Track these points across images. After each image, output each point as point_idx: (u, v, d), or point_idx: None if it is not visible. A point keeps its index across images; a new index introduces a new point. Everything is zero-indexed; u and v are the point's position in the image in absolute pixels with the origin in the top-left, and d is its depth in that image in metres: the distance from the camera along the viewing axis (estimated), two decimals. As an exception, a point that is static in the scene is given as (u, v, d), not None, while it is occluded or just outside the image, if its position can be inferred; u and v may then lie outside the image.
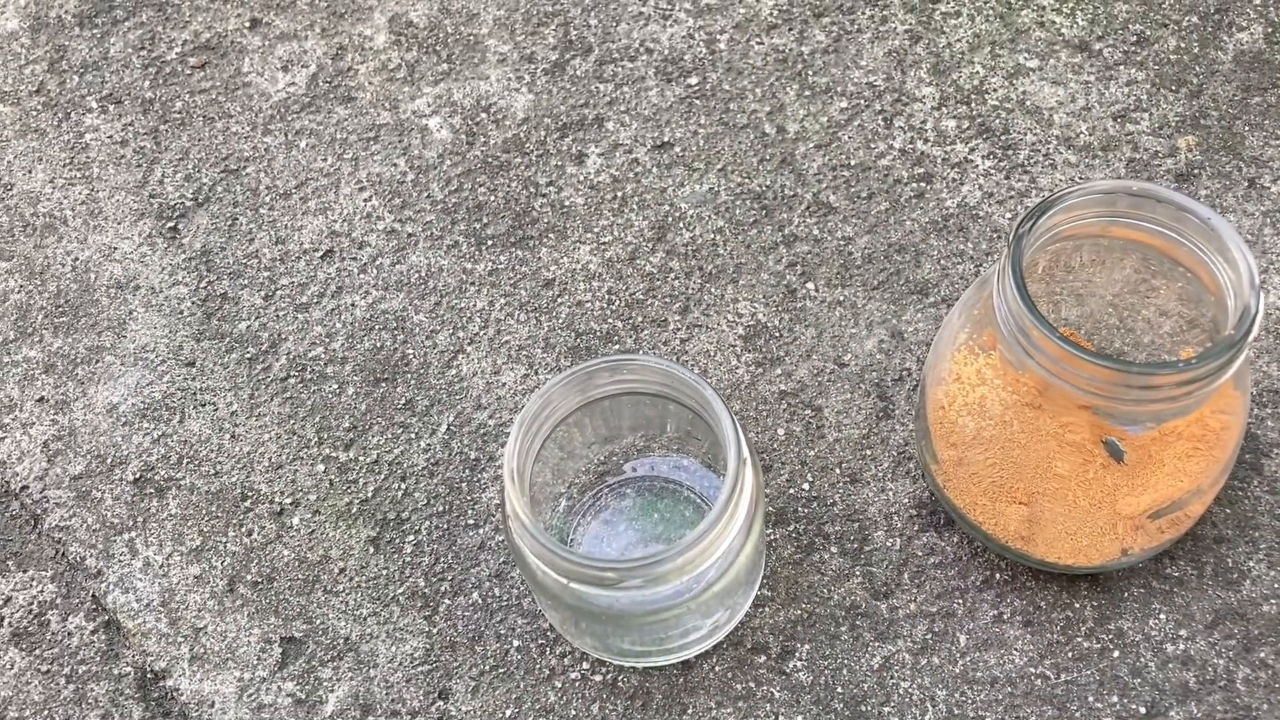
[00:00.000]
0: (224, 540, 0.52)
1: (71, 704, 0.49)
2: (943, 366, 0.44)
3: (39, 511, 0.53)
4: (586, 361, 0.43)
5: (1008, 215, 0.56)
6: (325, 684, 0.48)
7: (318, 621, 0.50)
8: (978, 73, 0.61)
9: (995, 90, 0.60)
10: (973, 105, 0.60)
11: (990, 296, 0.42)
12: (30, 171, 0.63)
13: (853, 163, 0.59)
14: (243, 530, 0.52)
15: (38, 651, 0.50)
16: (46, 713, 0.49)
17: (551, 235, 0.58)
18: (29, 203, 0.62)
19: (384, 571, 0.50)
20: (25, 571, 0.52)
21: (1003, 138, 0.59)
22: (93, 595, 0.51)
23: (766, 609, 0.48)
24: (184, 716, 0.48)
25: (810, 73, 0.62)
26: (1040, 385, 0.42)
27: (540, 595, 0.44)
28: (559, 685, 0.47)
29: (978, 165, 0.58)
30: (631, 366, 0.44)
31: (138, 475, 0.54)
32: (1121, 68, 0.60)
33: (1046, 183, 0.57)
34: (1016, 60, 0.61)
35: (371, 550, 0.51)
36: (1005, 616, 0.47)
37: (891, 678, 0.46)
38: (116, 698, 0.49)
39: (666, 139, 0.60)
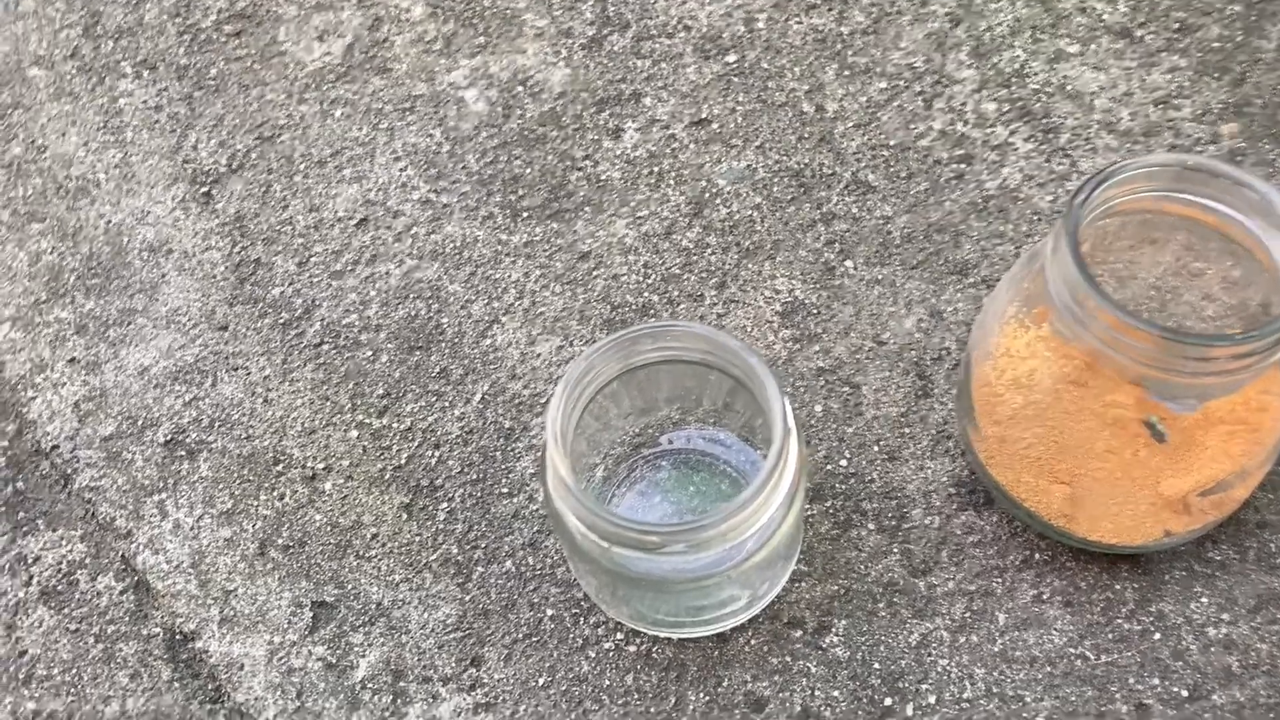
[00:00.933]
0: (255, 504, 0.51)
1: (100, 663, 0.49)
2: (990, 341, 0.44)
3: (69, 471, 0.53)
4: (629, 328, 0.43)
5: (1049, 198, 0.56)
6: (356, 649, 0.48)
7: (349, 586, 0.49)
8: (1019, 56, 0.60)
9: (1036, 74, 0.60)
10: (1013, 89, 0.59)
11: (1040, 270, 0.42)
12: (64, 135, 0.63)
13: (892, 143, 0.58)
14: (274, 494, 0.52)
15: (66, 610, 0.50)
16: (75, 671, 0.49)
17: (588, 208, 0.58)
18: (62, 165, 0.62)
19: (417, 538, 0.50)
20: (55, 531, 0.52)
21: (1043, 121, 0.58)
22: (122, 556, 0.51)
23: (803, 584, 0.48)
24: (213, 678, 0.48)
25: (850, 53, 0.61)
26: (1089, 359, 0.42)
27: (578, 561, 0.44)
28: (592, 655, 0.47)
29: (1018, 148, 0.58)
30: (675, 332, 0.43)
31: (169, 437, 0.53)
32: (1163, 54, 0.60)
33: (1088, 166, 0.57)
34: (1058, 45, 0.61)
35: (404, 516, 0.51)
36: (1045, 596, 0.47)
37: (929, 655, 0.46)
38: (145, 658, 0.49)
39: (704, 115, 0.60)
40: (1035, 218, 0.56)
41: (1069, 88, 0.59)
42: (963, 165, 0.57)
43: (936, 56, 0.61)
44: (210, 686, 0.48)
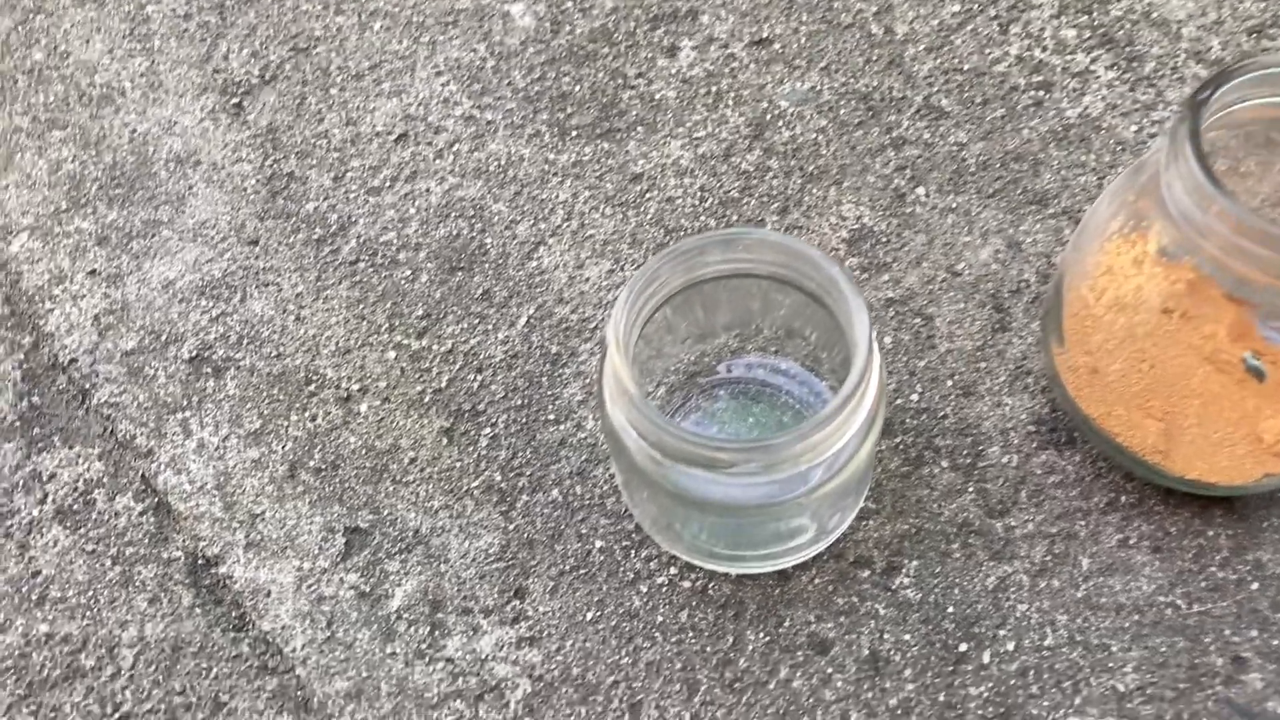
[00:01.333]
0: (285, 424, 0.48)
1: (117, 586, 0.46)
2: (1089, 261, 0.41)
3: (87, 386, 0.50)
4: (695, 236, 0.40)
5: (1133, 128, 0.53)
6: (392, 577, 0.45)
7: (385, 512, 0.46)
8: (1100, -18, 0.57)
9: (1119, 0, 0.56)
10: (1094, 15, 0.56)
11: (1148, 181, 0.38)
12: (88, 41, 0.59)
13: (966, 67, 0.55)
14: (306, 415, 0.48)
15: (83, 531, 0.47)
16: (91, 593, 0.46)
17: (640, 128, 0.55)
18: (85, 72, 0.58)
19: (457, 464, 0.47)
20: (71, 448, 0.49)
21: (1127, 49, 0.55)
22: (142, 475, 0.48)
23: (871, 522, 0.45)
24: (237, 605, 0.45)
25: (920, -25, 0.58)
26: (1193, 282, 0.39)
27: (635, 484, 0.41)
28: (644, 590, 0.44)
29: (1100, 76, 0.54)
30: (748, 242, 0.40)
31: (194, 354, 0.50)
32: (1255, -17, 0.56)
33: (1175, 97, 0.53)
34: (1142, -29, 0.57)
35: (444, 441, 0.47)
36: (1131, 541, 0.44)
37: (1008, 599, 0.43)
38: (165, 582, 0.46)
39: (765, 35, 0.57)
40: (1119, 148, 0.52)
41: (1154, 15, 0.56)
42: (1041, 92, 0.54)
43: (1013, -20, 0.57)
44: (234, 614, 0.45)
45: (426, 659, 0.43)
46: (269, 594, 0.45)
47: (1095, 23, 0.56)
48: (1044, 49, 0.55)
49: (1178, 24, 0.55)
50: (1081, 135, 0.53)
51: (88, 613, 0.45)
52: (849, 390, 0.36)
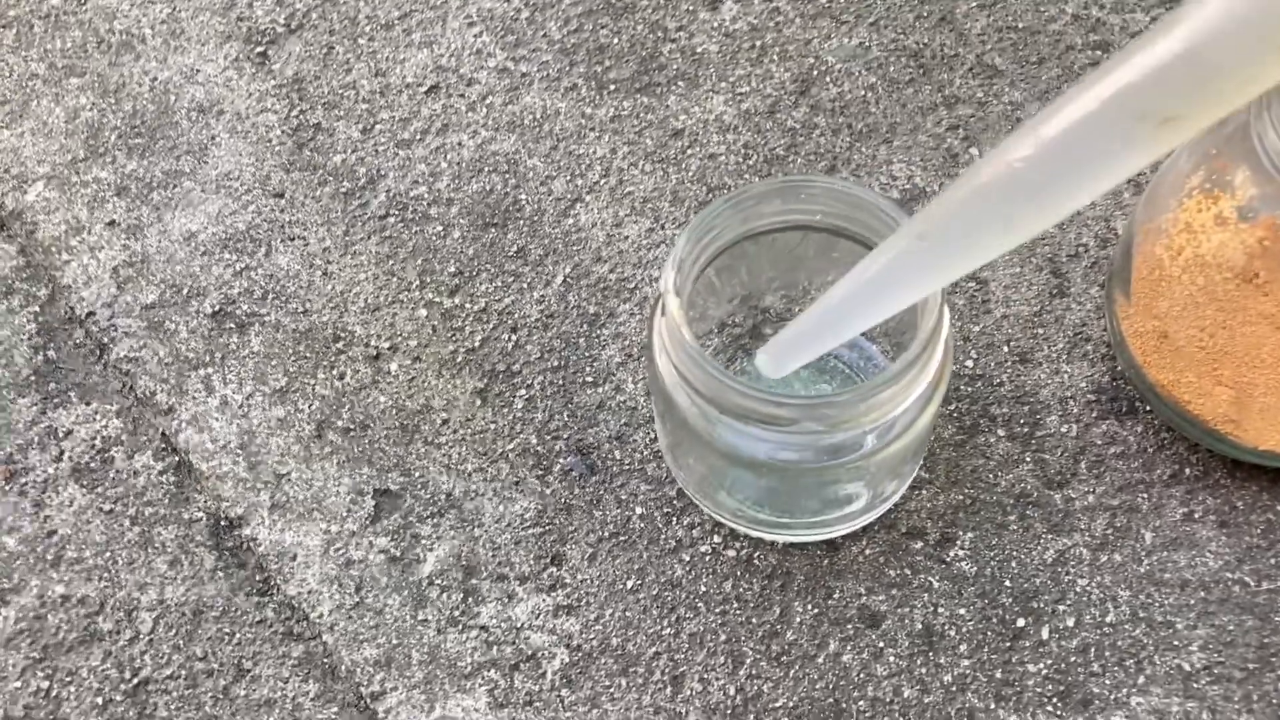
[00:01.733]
0: (312, 382, 0.46)
1: (136, 547, 0.44)
2: (1165, 218, 0.39)
3: (105, 341, 0.48)
4: (752, 185, 0.38)
5: (1195, 90, 0.51)
6: (424, 542, 0.43)
7: (416, 474, 0.44)
8: (1159, -60, 0.55)
9: (1179, -41, 0.54)
10: (1154, -27, 0.54)
11: (1234, 132, 0.36)
12: (106, -13, 0.57)
13: (1020, 25, 0.53)
14: (334, 373, 0.47)
15: (100, 489, 0.45)
16: (109, 554, 0.44)
17: (681, 83, 0.53)
18: (104, 18, 0.56)
19: (492, 426, 0.45)
20: (89, 404, 0.47)
21: (1188, 9, 0.53)
22: (162, 433, 0.46)
23: (924, 491, 0.43)
24: (261, 568, 0.43)
25: (972, -70, 0.56)
26: (1273, 239, 0.37)
27: (683, 443, 0.39)
28: (687, 558, 0.42)
29: (1160, 36, 0.52)
30: (811, 191, 0.38)
31: (217, 308, 0.48)
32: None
33: (1238, 58, 0.51)
34: (1203, -71, 0.55)
35: (478, 402, 0.46)
36: (1197, 515, 0.42)
37: (1067, 574, 0.41)
38: (186, 544, 0.44)
39: (811, -10, 0.55)
40: (1180, 110, 0.50)
41: (1216, -26, 0.54)
42: (1099, 53, 0.52)
43: (1068, -63, 0.55)
44: (258, 577, 0.43)
45: (460, 627, 0.42)
46: (295, 557, 0.43)
47: (1154, -19, 0.54)
48: (1101, 7, 0.53)
49: (1241, -17, 0.53)
50: (1141, 96, 0.51)
51: (105, 574, 0.44)
52: (917, 349, 0.34)
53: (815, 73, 0.52)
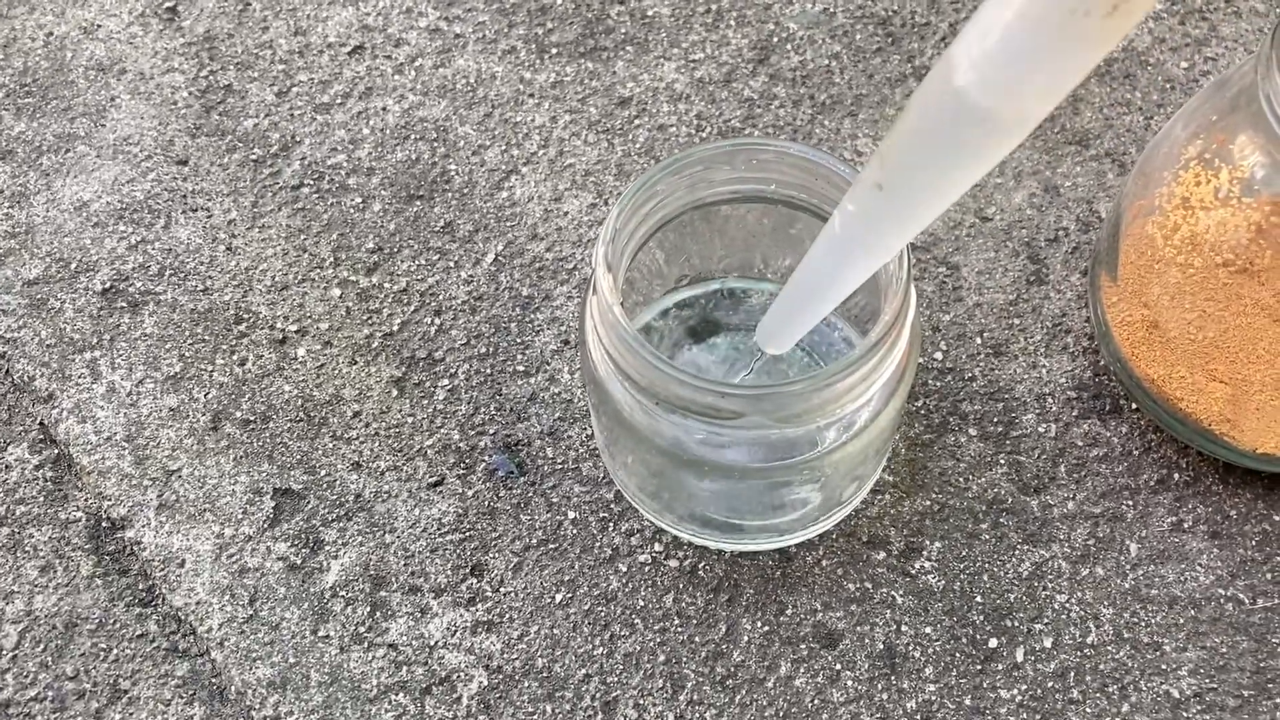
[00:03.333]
0: (210, 368, 0.42)
1: (3, 550, 0.39)
2: (1158, 192, 0.35)
3: (-19, 319, 0.43)
4: (701, 145, 0.33)
5: (1183, 64, 0.47)
6: (328, 548, 0.38)
7: (322, 473, 0.40)
8: (1145, -93, 0.51)
9: (1166, -73, 0.50)
10: (1139, -59, 0.50)
11: (1235, 97, 0.33)
12: (2, -66, 0.52)
13: (997, -7, 0.49)
14: (234, 358, 0.42)
15: (-35, 485, 0.40)
16: (-30, 558, 0.39)
17: (629, 47, 0.48)
18: (-3, -32, 0.51)
19: (409, 419, 0.40)
20: (-42, 389, 0.42)
21: (1176, -21, 0.49)
22: (40, 423, 0.41)
23: (887, 496, 0.39)
24: (145, 575, 0.38)
25: (945, -108, 0.52)
26: (1277, 211, 0.33)
27: (619, 438, 0.35)
28: (623, 569, 0.38)
29: (1146, 7, 0.48)
30: (764, 156, 0.33)
31: (108, 285, 0.43)
32: (1316, -87, 0.51)
33: (1229, 32, 0.48)
34: (1191, -104, 0.51)
35: (395, 393, 0.41)
36: (1186, 525, 0.38)
37: (1044, 589, 0.37)
38: (61, 547, 0.39)
39: (772, -48, 0.50)
40: (1168, 85, 0.46)
41: (1205, -57, 0.50)
42: (1080, 23, 0.48)
43: (1048, -99, 0.51)
44: (141, 586, 0.38)
45: (365, 644, 0.37)
46: (183, 564, 0.38)
47: (1140, -50, 0.50)
48: (1083, -24, 0.49)
49: (1232, -47, 0.50)
50: (1126, 71, 0.47)
51: (-33, 581, 0.39)
52: (880, 332, 0.30)
53: (775, 40, 0.48)
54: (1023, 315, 0.42)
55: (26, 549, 0.39)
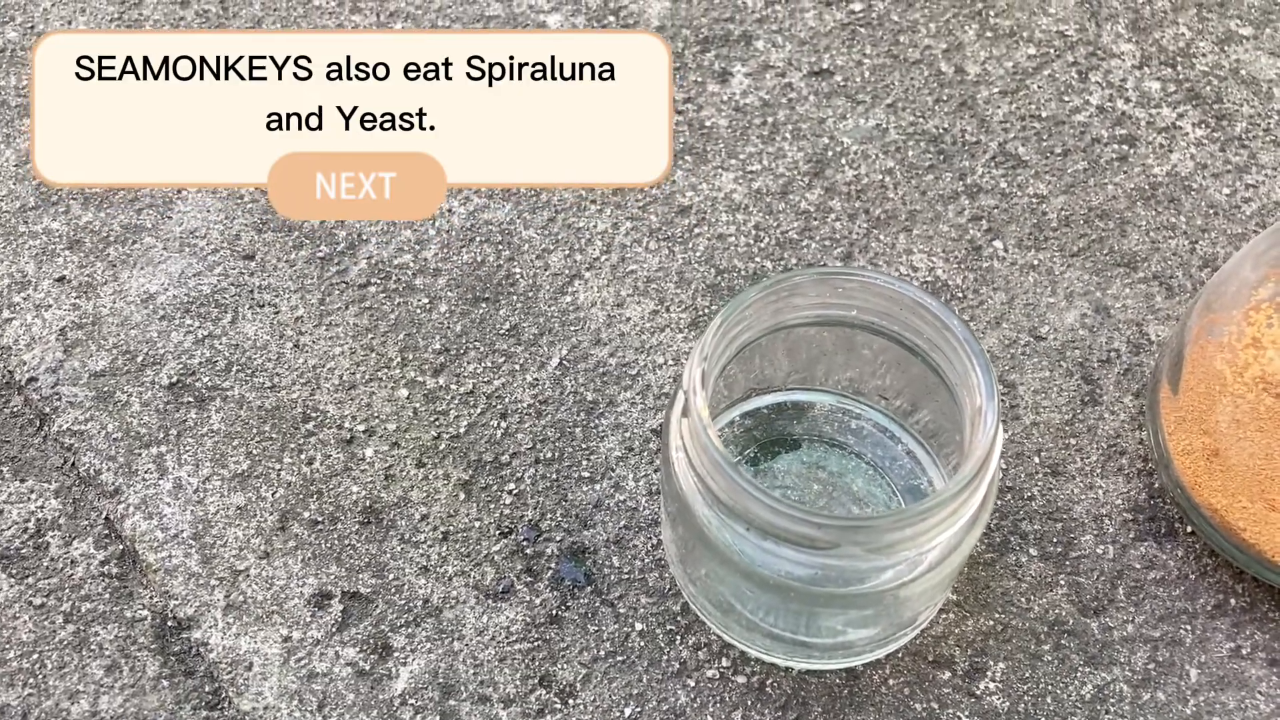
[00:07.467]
0: (278, 467, 0.42)
1: (69, 649, 0.39)
2: (1227, 330, 0.36)
3: (47, 410, 0.43)
4: (786, 272, 0.34)
5: (1225, 190, 0.48)
6: (396, 654, 0.38)
7: (390, 576, 0.40)
8: (1183, 34, 0.53)
9: (1204, 55, 0.52)
10: (1179, 69, 0.52)
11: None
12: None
13: (1044, 114, 0.51)
14: (302, 457, 0.42)
15: (30, 580, 0.40)
16: (36, 656, 0.39)
17: (688, 157, 0.49)
18: (66, 57, 0.52)
19: (477, 523, 0.41)
20: (23, 481, 0.42)
21: (1215, 107, 0.51)
22: (106, 518, 0.41)
23: (951, 615, 0.39)
24: (211, 677, 0.38)
25: (991, 14, 0.54)
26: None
27: (697, 554, 0.35)
28: (692, 684, 0.38)
29: (1188, 133, 0.50)
30: (848, 285, 0.35)
31: (174, 379, 0.44)
32: (1346, 46, 0.53)
33: (1269, 160, 0.49)
34: (1227, 26, 0.53)
35: (462, 496, 0.41)
36: (1245, 651, 0.39)
37: (1107, 712, 0.37)
38: (127, 646, 0.39)
39: (826, 66, 0.52)
40: (1211, 211, 0.48)
41: (1242, 72, 0.52)
42: (1125, 146, 0.50)
43: (1090, 26, 0.53)
44: (208, 688, 0.38)
45: (434, 753, 0.37)
46: (250, 667, 0.38)
47: (1180, 76, 0.52)
48: (1126, 100, 0.51)
49: (1268, 84, 0.51)
50: (1170, 195, 0.48)
51: (31, 679, 0.38)
52: (973, 469, 0.31)
53: (830, 153, 0.49)
54: (1079, 435, 0.43)
55: (92, 647, 0.39)
